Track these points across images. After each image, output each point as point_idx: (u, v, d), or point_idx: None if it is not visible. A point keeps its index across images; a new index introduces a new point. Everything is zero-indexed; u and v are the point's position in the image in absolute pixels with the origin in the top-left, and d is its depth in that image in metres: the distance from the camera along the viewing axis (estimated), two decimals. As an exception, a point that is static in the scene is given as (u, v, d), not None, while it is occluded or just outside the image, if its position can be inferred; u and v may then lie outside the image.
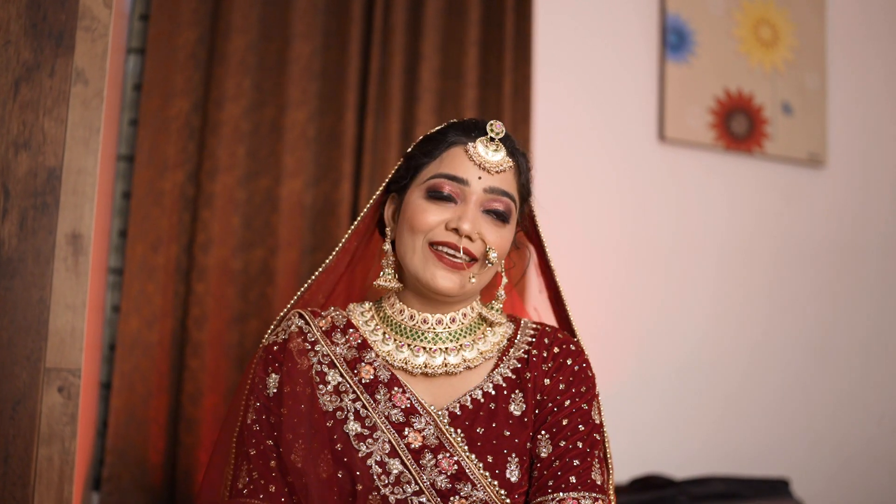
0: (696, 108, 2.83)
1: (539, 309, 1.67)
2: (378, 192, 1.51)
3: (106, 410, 2.15)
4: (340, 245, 1.52)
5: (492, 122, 1.40)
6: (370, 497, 1.31)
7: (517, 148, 1.45)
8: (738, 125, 2.88)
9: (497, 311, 1.43)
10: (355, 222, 1.52)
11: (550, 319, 1.62)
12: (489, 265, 1.37)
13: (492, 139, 1.39)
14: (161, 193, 2.18)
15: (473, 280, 1.36)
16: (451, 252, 1.35)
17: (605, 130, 2.75)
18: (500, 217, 1.39)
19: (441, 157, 1.40)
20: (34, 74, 1.45)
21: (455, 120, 1.49)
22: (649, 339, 2.74)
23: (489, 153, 1.38)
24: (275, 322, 1.50)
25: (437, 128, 1.47)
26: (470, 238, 1.35)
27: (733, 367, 2.83)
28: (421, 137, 1.47)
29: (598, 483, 1.35)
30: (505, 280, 1.43)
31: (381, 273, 1.44)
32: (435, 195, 1.37)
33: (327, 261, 1.52)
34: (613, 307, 2.70)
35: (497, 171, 1.38)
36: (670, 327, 2.77)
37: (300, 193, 2.29)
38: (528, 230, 1.57)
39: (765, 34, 2.97)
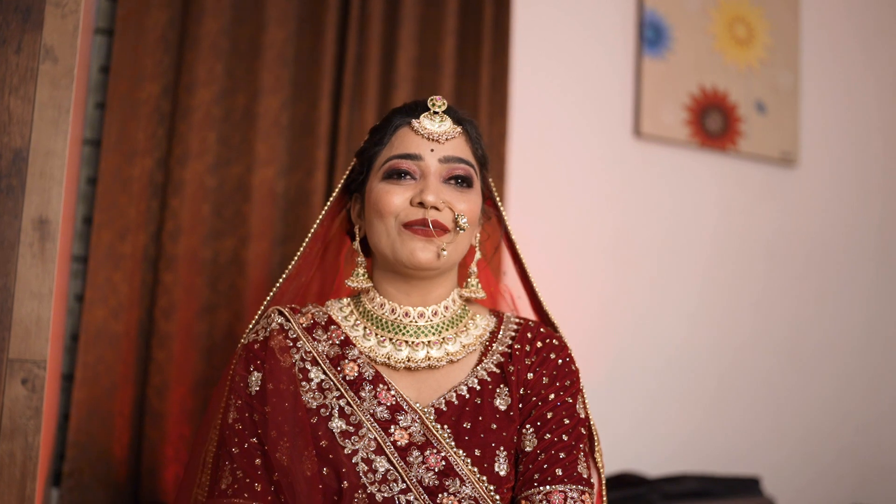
0: (671, 104, 2.82)
1: (510, 285, 1.68)
2: (334, 195, 1.52)
3: (67, 403, 2.08)
4: (301, 251, 1.52)
5: (432, 97, 1.43)
6: (356, 495, 1.28)
7: (463, 116, 1.46)
8: (713, 122, 2.88)
9: (475, 286, 1.44)
10: (313, 227, 1.53)
11: (521, 295, 1.63)
12: (461, 232, 1.37)
13: (435, 112, 1.41)
14: (129, 180, 2.11)
15: (445, 251, 1.35)
16: (423, 228, 1.35)
17: (581, 125, 2.73)
18: (463, 181, 1.40)
19: (391, 141, 1.43)
20: None
21: (396, 106, 1.51)
22: (624, 338, 2.72)
23: (435, 124, 1.40)
24: (253, 321, 1.48)
25: (382, 119, 1.49)
26: (437, 208, 1.35)
27: (708, 367, 2.83)
28: (368, 132, 1.49)
29: (585, 476, 1.35)
30: (478, 255, 1.46)
31: (353, 273, 1.44)
32: (393, 175, 1.38)
33: (289, 267, 1.52)
34: (588, 304, 2.68)
35: (447, 139, 1.40)
36: (646, 325, 2.76)
37: (272, 182, 2.24)
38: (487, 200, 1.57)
39: (739, 32, 2.96)
